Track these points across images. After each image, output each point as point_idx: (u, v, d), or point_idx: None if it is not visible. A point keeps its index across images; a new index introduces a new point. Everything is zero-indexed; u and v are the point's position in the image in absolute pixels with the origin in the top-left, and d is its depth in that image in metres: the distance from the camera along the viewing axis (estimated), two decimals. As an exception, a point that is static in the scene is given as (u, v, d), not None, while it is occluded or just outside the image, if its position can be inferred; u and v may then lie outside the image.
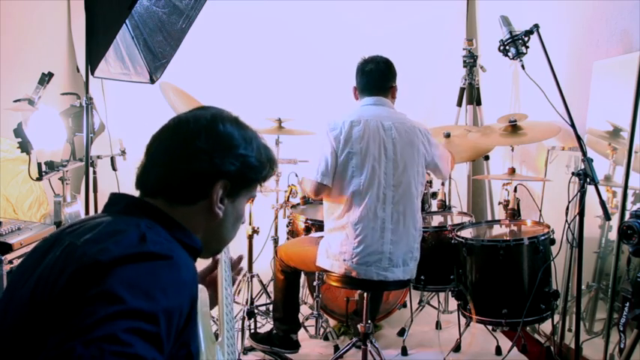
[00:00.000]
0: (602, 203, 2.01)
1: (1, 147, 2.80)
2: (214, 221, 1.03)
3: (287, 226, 3.13)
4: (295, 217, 3.02)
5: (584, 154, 2.08)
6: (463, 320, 2.85)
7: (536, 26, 2.24)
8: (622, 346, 1.97)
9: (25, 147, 2.51)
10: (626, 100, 2.40)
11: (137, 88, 3.10)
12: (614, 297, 2.40)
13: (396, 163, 2.29)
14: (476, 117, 3.88)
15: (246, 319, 2.94)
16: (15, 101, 2.52)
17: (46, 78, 2.60)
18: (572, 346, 2.38)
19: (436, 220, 3.17)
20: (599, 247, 2.67)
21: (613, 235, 2.58)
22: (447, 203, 3.28)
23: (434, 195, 3.25)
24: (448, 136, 3.20)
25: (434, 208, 3.28)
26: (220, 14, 3.67)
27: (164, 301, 0.78)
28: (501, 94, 3.71)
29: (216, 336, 1.16)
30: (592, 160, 2.06)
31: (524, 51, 2.31)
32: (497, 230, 2.88)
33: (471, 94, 3.83)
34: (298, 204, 3.16)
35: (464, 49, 3.83)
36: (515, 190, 2.88)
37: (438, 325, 3.23)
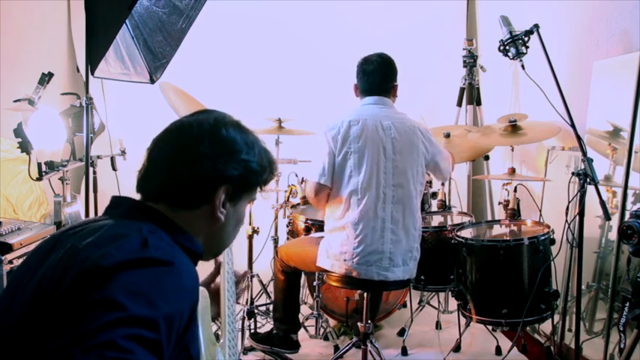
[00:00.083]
0: (602, 203, 2.01)
1: (1, 147, 2.81)
2: (216, 225, 1.03)
3: (287, 226, 3.13)
4: (295, 217, 3.02)
5: (584, 154, 2.08)
6: (463, 320, 2.85)
7: (536, 26, 2.24)
8: (622, 346, 1.97)
9: (25, 147, 2.51)
10: (626, 100, 2.40)
11: (137, 88, 3.09)
12: (614, 297, 2.40)
13: (395, 162, 2.29)
14: (476, 117, 3.88)
15: (247, 319, 2.95)
16: (15, 101, 2.52)
17: (46, 78, 2.60)
18: (572, 346, 2.38)
19: (436, 220, 3.16)
20: (599, 247, 2.67)
21: (613, 235, 2.58)
22: (447, 203, 3.28)
23: (434, 195, 3.25)
24: (448, 136, 3.20)
25: (434, 208, 3.28)
26: (220, 14, 3.67)
27: (165, 308, 0.78)
28: (501, 94, 3.71)
29: (217, 337, 1.16)
30: (592, 160, 2.06)
31: (524, 51, 2.31)
32: (497, 230, 2.88)
33: (471, 94, 3.83)
34: (298, 204, 3.16)
35: (464, 49, 3.83)
36: (515, 190, 2.87)
37: (438, 325, 3.23)
